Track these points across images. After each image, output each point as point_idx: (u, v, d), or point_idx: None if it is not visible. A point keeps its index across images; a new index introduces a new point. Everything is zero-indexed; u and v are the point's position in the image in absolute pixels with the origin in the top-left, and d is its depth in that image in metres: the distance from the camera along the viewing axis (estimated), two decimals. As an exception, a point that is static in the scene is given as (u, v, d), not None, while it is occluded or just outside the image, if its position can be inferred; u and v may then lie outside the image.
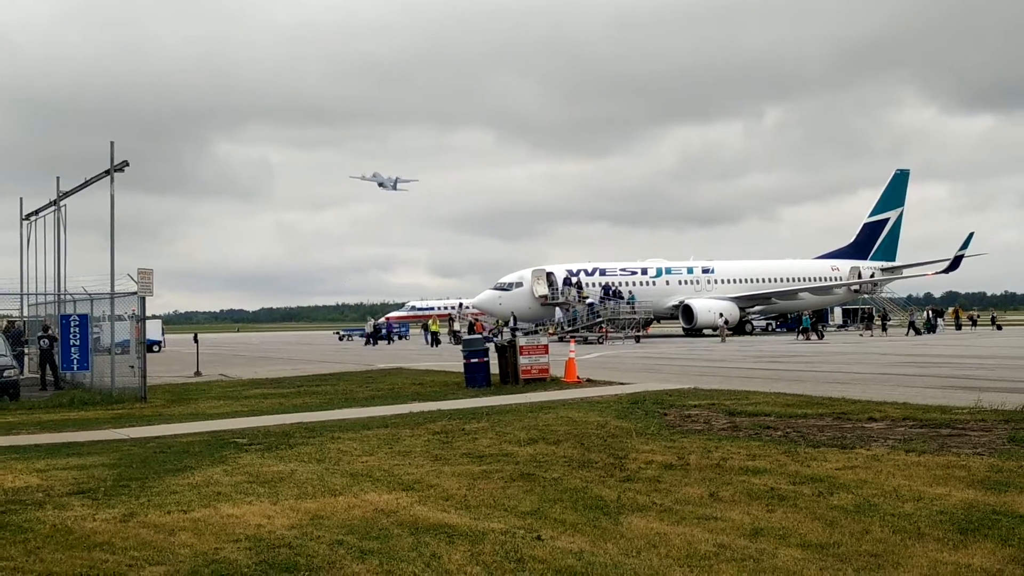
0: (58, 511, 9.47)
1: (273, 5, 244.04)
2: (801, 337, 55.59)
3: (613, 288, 61.01)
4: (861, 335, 56.88)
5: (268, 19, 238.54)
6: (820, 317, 70.91)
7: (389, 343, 67.19)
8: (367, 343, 65.11)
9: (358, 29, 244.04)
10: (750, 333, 65.54)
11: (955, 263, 68.49)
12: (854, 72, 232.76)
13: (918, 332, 57.70)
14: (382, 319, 79.92)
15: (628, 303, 59.22)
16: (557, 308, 59.82)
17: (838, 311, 75.33)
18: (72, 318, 25.06)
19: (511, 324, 61.56)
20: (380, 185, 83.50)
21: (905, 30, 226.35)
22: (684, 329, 64.52)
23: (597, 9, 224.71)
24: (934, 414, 15.06)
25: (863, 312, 69.99)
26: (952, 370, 26.23)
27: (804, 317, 59.07)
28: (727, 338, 54.41)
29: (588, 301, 58.94)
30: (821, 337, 54.74)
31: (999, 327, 68.38)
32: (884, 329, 61.52)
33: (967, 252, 68.43)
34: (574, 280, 61.28)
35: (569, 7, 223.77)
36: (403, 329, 76.77)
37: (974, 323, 73.96)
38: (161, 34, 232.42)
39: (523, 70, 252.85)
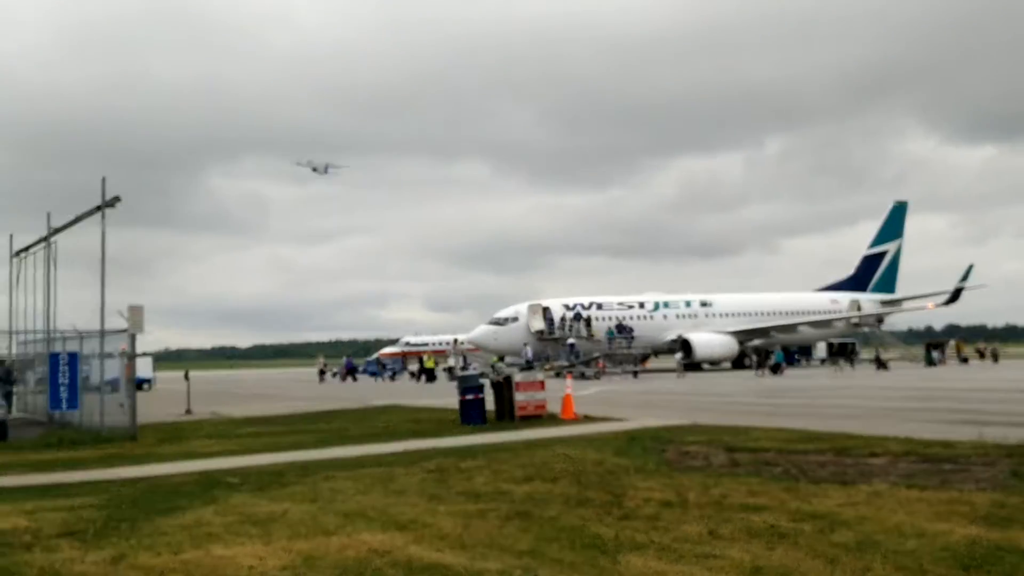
0: (46, 553, 9.36)
1: (268, 37, 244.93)
2: (759, 372, 55.19)
3: (626, 325, 61.09)
4: (833, 372, 55.95)
5: (262, 51, 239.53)
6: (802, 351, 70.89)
7: (354, 380, 67.68)
8: (320, 380, 65.42)
9: (353, 61, 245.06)
10: (749, 367, 65.31)
11: (955, 295, 68.39)
12: (856, 102, 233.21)
13: (885, 368, 56.66)
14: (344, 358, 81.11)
15: (610, 337, 59.34)
16: (526, 345, 59.46)
17: (821, 345, 74.76)
18: (61, 356, 24.88)
19: (461, 363, 62.04)
20: (313, 170, 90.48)
21: (907, 59, 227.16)
22: (768, 364, 64.21)
23: (596, 38, 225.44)
24: (936, 449, 14.91)
25: (834, 346, 69.04)
26: (953, 404, 26.06)
27: (777, 352, 58.87)
28: (685, 375, 54.33)
29: (569, 341, 59.14)
30: (775, 372, 54.25)
31: (966, 360, 66.96)
32: (852, 364, 60.24)
33: (967, 284, 68.31)
34: (584, 315, 61.24)
35: (568, 36, 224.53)
36: (391, 366, 77.04)
37: (982, 355, 72.68)
38: (154, 67, 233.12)
39: (521, 100, 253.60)
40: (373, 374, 74.64)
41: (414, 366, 68.73)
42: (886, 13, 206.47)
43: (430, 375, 61.00)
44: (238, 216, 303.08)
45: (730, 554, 8.31)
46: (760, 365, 56.54)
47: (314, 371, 72.33)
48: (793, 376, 51.59)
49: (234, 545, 9.40)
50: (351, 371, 70.68)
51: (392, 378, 68.68)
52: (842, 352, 62.75)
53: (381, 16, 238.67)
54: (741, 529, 9.33)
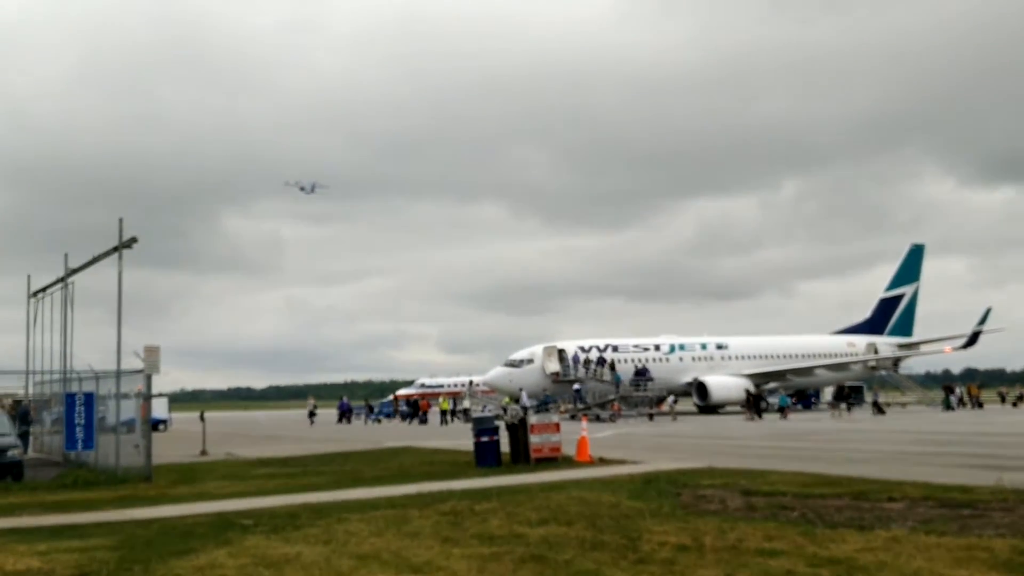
0: (58, 595, 9.30)
1: (283, 79, 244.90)
2: (748, 416, 54.60)
3: (642, 368, 60.75)
4: (832, 416, 55.06)
5: (279, 93, 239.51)
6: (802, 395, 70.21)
7: (348, 422, 66.61)
8: (311, 422, 64.42)
9: (370, 102, 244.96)
10: (765, 411, 64.76)
11: (973, 339, 67.94)
12: (873, 145, 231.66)
13: (881, 412, 55.86)
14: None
15: (617, 382, 58.92)
16: (521, 390, 58.88)
17: (829, 389, 73.58)
18: (77, 396, 24.89)
19: (451, 407, 61.70)
20: (301, 189, 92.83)
21: (924, 102, 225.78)
22: (698, 407, 63.96)
23: (612, 81, 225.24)
24: (954, 494, 14.77)
25: (836, 390, 67.40)
26: (971, 448, 25.85)
27: (781, 396, 58.28)
28: (676, 419, 53.82)
29: (575, 387, 58.90)
30: (760, 416, 53.94)
31: (980, 404, 65.75)
32: (849, 409, 58.85)
33: (985, 327, 67.90)
34: (608, 358, 60.87)
35: (584, 80, 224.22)
36: (380, 408, 76.59)
37: (1003, 399, 71.64)
38: (169, 109, 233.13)
39: (538, 142, 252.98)
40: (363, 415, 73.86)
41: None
42: (903, 55, 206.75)
43: (443, 416, 60.85)
44: (253, 257, 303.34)
45: (747, 600, 8.23)
46: (749, 408, 56.04)
47: (332, 413, 71.74)
48: (798, 420, 51.23)
49: (247, 587, 9.35)
50: (345, 413, 70.06)
51: (378, 421, 67.81)
52: (840, 396, 61.49)
53: (397, 58, 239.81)
54: (758, 574, 9.24)
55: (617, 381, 58.75)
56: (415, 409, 65.36)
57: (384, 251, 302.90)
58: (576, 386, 58.80)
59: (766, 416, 55.47)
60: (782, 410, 54.93)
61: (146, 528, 14.11)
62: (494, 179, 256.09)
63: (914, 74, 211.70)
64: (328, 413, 73.46)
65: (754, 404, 55.95)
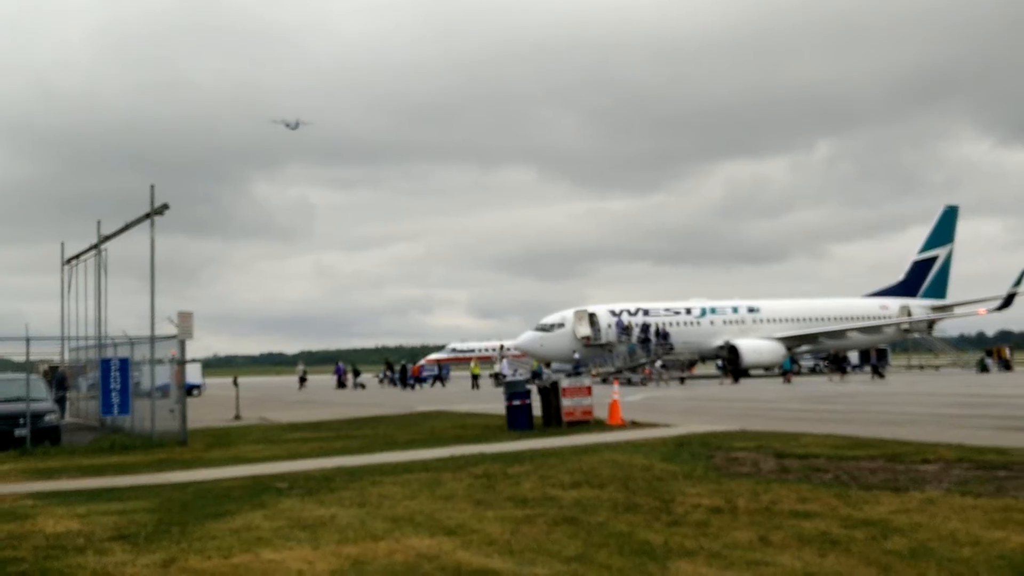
0: (99, 557, 9.45)
1: (311, 44, 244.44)
2: (722, 381, 54.79)
3: (644, 336, 60.69)
4: (830, 379, 54.53)
5: (306, 60, 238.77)
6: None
7: (342, 387, 66.45)
8: (300, 387, 64.41)
9: (395, 67, 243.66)
10: (797, 374, 64.39)
11: (1008, 301, 67.24)
12: (907, 105, 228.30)
13: (881, 376, 55.02)
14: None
15: (630, 351, 58.81)
16: (505, 362, 58.97)
17: (853, 354, 72.21)
18: (113, 362, 25.12)
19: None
20: (286, 126, 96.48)
21: (960, 61, 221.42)
22: (730, 371, 63.73)
23: (642, 43, 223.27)
24: (990, 456, 14.68)
25: (832, 356, 65.81)
26: (1005, 410, 25.65)
27: (786, 360, 58.01)
28: (665, 382, 53.82)
29: (575, 355, 59.20)
30: (737, 380, 53.87)
31: (1009, 367, 63.91)
32: (844, 372, 57.55)
33: (1020, 289, 67.19)
34: (652, 327, 60.80)
35: (613, 41, 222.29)
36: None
37: None
38: (197, 76, 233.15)
39: (566, 106, 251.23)
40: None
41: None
42: (938, 14, 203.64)
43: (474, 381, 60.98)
44: (282, 223, 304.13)
45: (781, 561, 8.22)
46: (726, 371, 55.92)
47: (363, 377, 71.86)
48: (798, 383, 50.95)
49: (283, 549, 9.44)
50: (341, 377, 70.03)
51: (362, 386, 66.88)
52: (835, 361, 60.49)
53: (421, 23, 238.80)
54: (792, 536, 9.23)
55: (631, 350, 58.74)
56: (403, 374, 65.07)
57: (411, 216, 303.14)
58: (576, 355, 58.90)
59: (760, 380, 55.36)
60: (785, 374, 54.79)
61: (182, 491, 14.28)
62: (521, 143, 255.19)
63: (950, 31, 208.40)
64: (316, 380, 73.96)
65: (733, 367, 55.75)
